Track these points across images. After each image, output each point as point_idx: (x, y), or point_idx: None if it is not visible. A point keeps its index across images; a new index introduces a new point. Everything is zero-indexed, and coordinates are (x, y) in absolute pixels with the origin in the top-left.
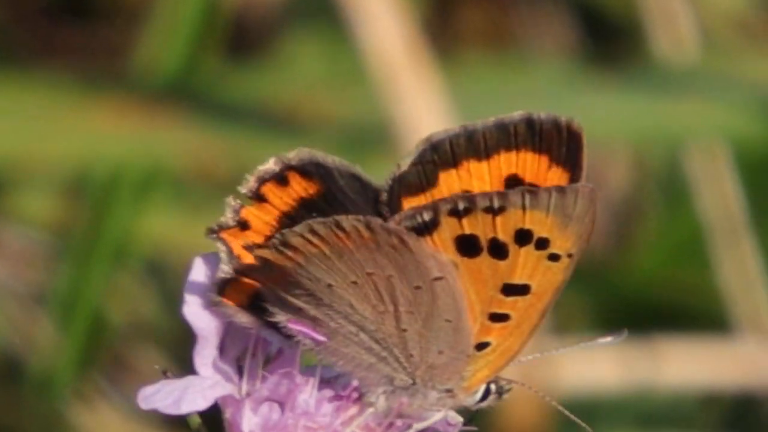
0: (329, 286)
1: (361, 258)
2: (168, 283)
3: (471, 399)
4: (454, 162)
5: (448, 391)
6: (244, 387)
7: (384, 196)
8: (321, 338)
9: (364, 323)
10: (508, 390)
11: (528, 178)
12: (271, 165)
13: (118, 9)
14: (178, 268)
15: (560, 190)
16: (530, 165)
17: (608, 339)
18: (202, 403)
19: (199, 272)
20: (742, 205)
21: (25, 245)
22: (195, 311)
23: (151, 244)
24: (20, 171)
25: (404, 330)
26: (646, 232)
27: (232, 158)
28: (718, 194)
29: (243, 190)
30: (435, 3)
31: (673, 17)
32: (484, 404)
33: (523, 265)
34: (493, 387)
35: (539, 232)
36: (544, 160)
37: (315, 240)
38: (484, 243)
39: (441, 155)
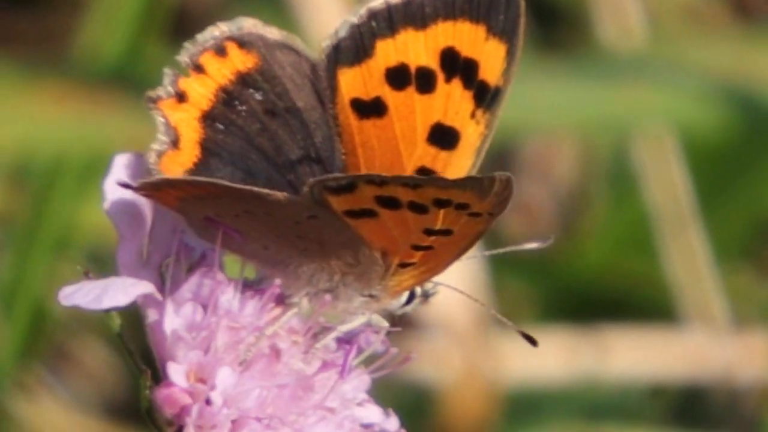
0: (217, 214)
1: (233, 202)
2: (111, 271)
3: (396, 303)
4: (391, 30)
5: (372, 296)
6: (167, 290)
7: (322, 69)
8: (237, 236)
9: (267, 241)
10: (434, 294)
11: (464, 51)
12: (209, 34)
13: None
14: None
15: (477, 181)
16: (467, 36)
17: (534, 244)
18: (124, 299)
19: (121, 168)
20: (689, 194)
21: None
22: (116, 207)
23: (94, 232)
24: None
25: (305, 249)
26: (593, 222)
27: None
28: (665, 182)
29: (182, 58)
30: None
31: (621, 3)
32: (409, 308)
33: (444, 217)
34: (418, 290)
35: (457, 199)
36: (482, 30)
37: (187, 188)
38: (404, 203)
39: (378, 22)
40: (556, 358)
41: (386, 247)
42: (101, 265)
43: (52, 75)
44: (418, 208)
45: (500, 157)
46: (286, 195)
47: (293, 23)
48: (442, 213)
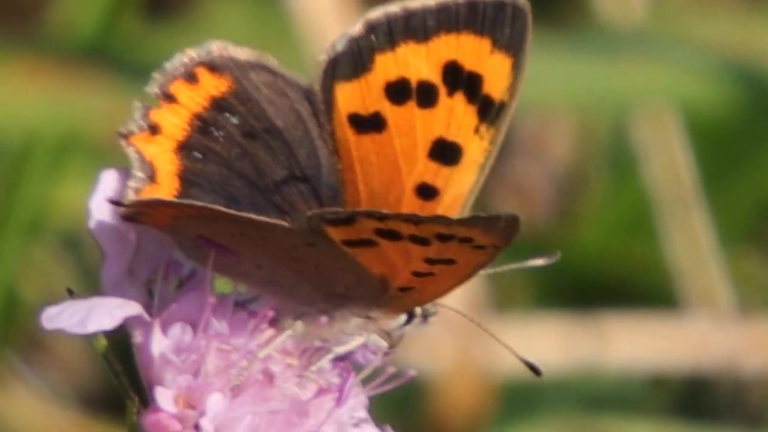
0: (211, 234)
1: (229, 224)
2: (85, 257)
3: (394, 323)
4: (391, 43)
5: (369, 317)
6: (155, 308)
7: (317, 85)
8: (230, 255)
9: (261, 261)
10: (434, 313)
11: (468, 65)
12: (178, 61)
13: None
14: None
15: (482, 220)
16: (471, 49)
17: (540, 261)
18: (109, 323)
19: (108, 184)
20: (692, 174)
21: None
22: (102, 226)
23: (67, 215)
24: None
25: (300, 271)
26: (591, 204)
27: None
28: (667, 163)
29: (151, 89)
30: None
31: None
32: (407, 328)
33: (447, 249)
34: (418, 310)
35: (461, 234)
36: (486, 43)
37: (182, 208)
38: (405, 235)
39: (378, 36)
40: (553, 346)
41: (385, 273)
42: (75, 249)
43: (23, 50)
44: (420, 241)
45: None
46: (284, 224)
47: (281, 12)
48: (443, 245)
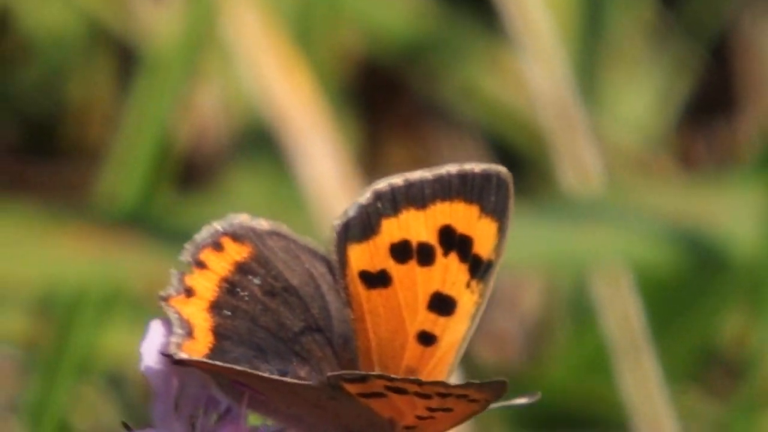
0: (246, 381)
1: (261, 380)
2: (128, 393)
3: None
4: (394, 210)
5: None
6: None
7: (332, 245)
8: (262, 397)
9: (288, 403)
10: None
11: (460, 228)
12: (206, 233)
13: (80, 148)
14: (137, 380)
15: (476, 386)
16: (462, 215)
17: (524, 399)
18: None
19: (156, 333)
20: (642, 324)
21: None
22: (152, 369)
23: (112, 358)
24: None
25: (322, 415)
26: (556, 349)
27: None
28: (621, 314)
29: (184, 258)
30: (366, 142)
31: (580, 155)
32: None
33: (445, 402)
34: None
35: (458, 393)
36: (475, 209)
37: (218, 368)
38: (411, 392)
39: (384, 203)
40: None
41: (393, 416)
42: (119, 388)
43: (73, 218)
44: (424, 396)
45: None
46: (310, 383)
47: (289, 171)
48: (444, 399)
